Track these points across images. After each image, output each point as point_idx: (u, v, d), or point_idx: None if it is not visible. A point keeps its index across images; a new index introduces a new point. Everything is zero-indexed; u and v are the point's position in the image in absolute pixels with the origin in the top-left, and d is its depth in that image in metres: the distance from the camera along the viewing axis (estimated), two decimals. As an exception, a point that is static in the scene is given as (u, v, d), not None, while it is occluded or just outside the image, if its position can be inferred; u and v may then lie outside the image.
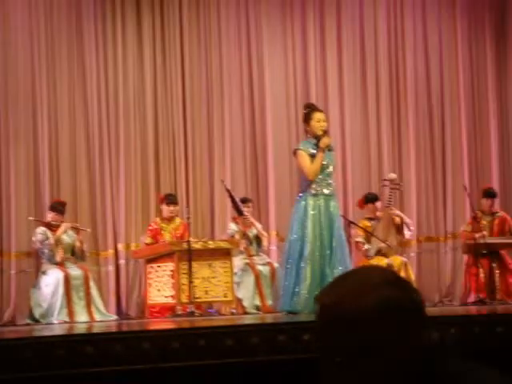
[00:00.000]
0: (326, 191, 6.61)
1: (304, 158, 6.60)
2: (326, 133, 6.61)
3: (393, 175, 9.17)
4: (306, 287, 6.34)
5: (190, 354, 3.65)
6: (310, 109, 6.80)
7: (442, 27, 10.53)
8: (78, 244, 8.54)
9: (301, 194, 6.69)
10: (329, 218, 6.56)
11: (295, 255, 6.50)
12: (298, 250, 6.49)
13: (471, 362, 1.46)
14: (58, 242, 8.38)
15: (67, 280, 8.16)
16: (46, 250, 8.35)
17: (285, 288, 6.52)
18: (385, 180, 9.22)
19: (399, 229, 9.03)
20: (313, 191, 6.58)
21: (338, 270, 6.22)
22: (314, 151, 6.58)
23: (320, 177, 6.60)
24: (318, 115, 6.68)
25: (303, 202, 6.59)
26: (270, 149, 9.89)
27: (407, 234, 9.05)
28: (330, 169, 6.69)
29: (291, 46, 10.14)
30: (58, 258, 8.37)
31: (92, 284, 8.38)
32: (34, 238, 8.49)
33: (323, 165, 6.61)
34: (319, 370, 1.46)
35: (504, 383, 1.42)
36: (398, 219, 9.04)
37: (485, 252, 8.90)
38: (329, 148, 6.64)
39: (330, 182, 6.66)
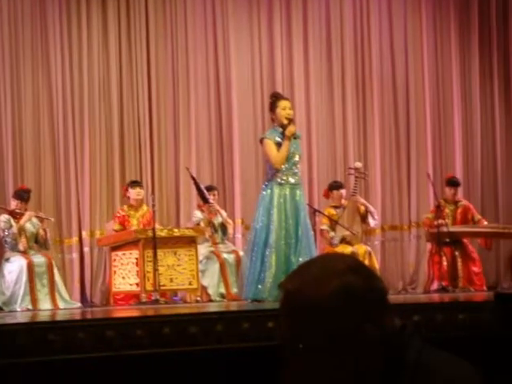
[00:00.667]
0: (291, 180, 6.61)
1: (270, 147, 6.60)
2: (291, 121, 6.60)
3: (358, 164, 9.22)
4: (271, 275, 6.36)
5: (154, 342, 3.65)
6: (275, 97, 6.80)
7: (408, 15, 10.58)
8: (41, 232, 8.47)
9: (266, 183, 6.69)
10: (294, 207, 6.57)
11: (260, 243, 6.51)
12: (264, 238, 6.51)
13: (436, 348, 1.47)
14: (21, 230, 8.31)
15: (30, 267, 8.10)
16: (9, 239, 8.28)
17: (250, 276, 6.53)
18: (350, 168, 9.27)
19: (364, 217, 9.09)
20: (279, 180, 6.59)
21: (304, 258, 6.24)
22: (281, 140, 6.58)
23: (286, 166, 6.60)
24: (283, 103, 6.67)
25: (269, 191, 6.60)
26: (236, 137, 9.89)
27: (372, 222, 9.12)
28: (297, 158, 6.69)
29: (257, 35, 10.13)
30: (21, 247, 8.30)
31: (56, 271, 8.32)
32: (-4, 226, 8.40)
33: (289, 153, 6.62)
34: (283, 358, 1.46)
35: (469, 371, 1.44)
36: (362, 208, 9.09)
37: (448, 240, 8.99)
38: (294, 136, 6.64)
39: (295, 171, 6.67)
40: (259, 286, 6.43)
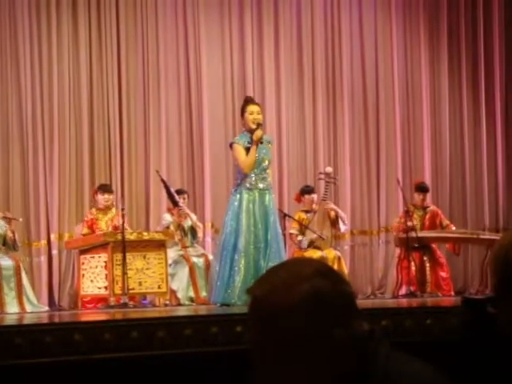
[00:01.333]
0: (261, 185, 6.62)
1: (239, 152, 6.60)
2: (259, 126, 6.60)
3: (329, 169, 9.25)
4: (240, 280, 6.36)
5: (122, 346, 3.63)
6: (245, 102, 6.82)
7: (378, 22, 10.64)
8: (9, 234, 8.39)
9: (236, 188, 6.70)
10: (263, 212, 6.57)
11: (229, 248, 6.51)
12: (232, 242, 6.51)
13: (404, 354, 1.48)
14: None
15: (-2, 270, 8.02)
16: None
17: (219, 280, 6.53)
18: (321, 173, 9.30)
19: (334, 222, 9.12)
20: (248, 185, 6.59)
21: (273, 263, 6.25)
22: (250, 145, 6.59)
23: (255, 171, 6.61)
24: (251, 108, 6.68)
25: (238, 196, 6.61)
26: (207, 141, 9.88)
27: (342, 228, 9.15)
28: (266, 163, 6.69)
29: (229, 39, 10.13)
30: None
31: (23, 275, 8.24)
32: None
33: (258, 158, 6.62)
34: (251, 363, 1.45)
35: (436, 377, 1.45)
36: (332, 213, 9.12)
37: (416, 245, 9.04)
38: (262, 141, 6.63)
39: (265, 176, 6.67)
40: (228, 291, 6.43)
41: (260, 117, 6.67)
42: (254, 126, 6.56)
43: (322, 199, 9.04)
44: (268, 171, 6.75)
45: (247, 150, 6.59)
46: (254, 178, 6.60)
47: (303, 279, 1.42)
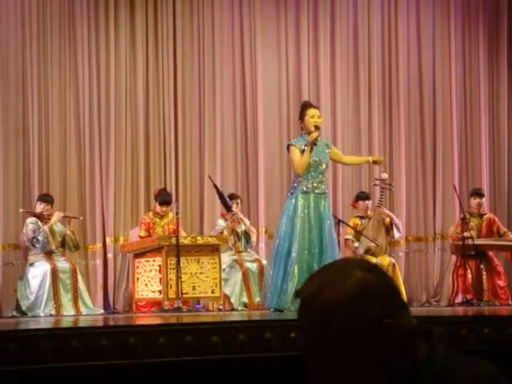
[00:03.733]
0: (317, 189, 6.59)
1: (295, 153, 6.61)
2: (317, 128, 6.60)
3: (384, 175, 9.17)
4: (294, 285, 6.33)
5: (176, 350, 3.64)
6: (304, 106, 6.83)
7: (436, 26, 10.54)
8: (69, 233, 8.51)
9: (292, 191, 6.68)
10: (318, 217, 6.54)
11: (283, 253, 6.49)
12: (287, 247, 6.48)
13: (468, 355, 1.46)
14: (51, 230, 8.37)
15: (54, 272, 8.13)
16: (41, 238, 8.30)
17: (272, 285, 6.51)
18: (376, 179, 9.23)
19: (388, 229, 9.04)
20: (304, 188, 6.57)
21: None
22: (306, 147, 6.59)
23: (312, 174, 6.59)
24: (311, 111, 6.68)
25: (293, 200, 6.59)
26: (261, 145, 9.88)
27: (396, 235, 9.06)
28: (323, 166, 6.67)
29: (284, 42, 10.12)
30: (54, 247, 8.35)
31: (79, 277, 8.34)
32: (24, 230, 8.43)
33: (315, 161, 6.59)
34: (306, 366, 1.45)
35: (495, 368, 1.43)
36: (387, 219, 9.05)
37: (473, 253, 8.91)
38: (315, 143, 6.60)
39: (322, 179, 6.65)
40: (281, 296, 6.40)
41: (320, 120, 6.71)
42: (313, 129, 6.57)
43: (378, 205, 8.98)
44: (325, 175, 6.73)
45: (303, 152, 6.59)
46: (310, 182, 6.58)
47: (349, 275, 1.44)
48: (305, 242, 6.46)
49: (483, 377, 1.41)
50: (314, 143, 6.56)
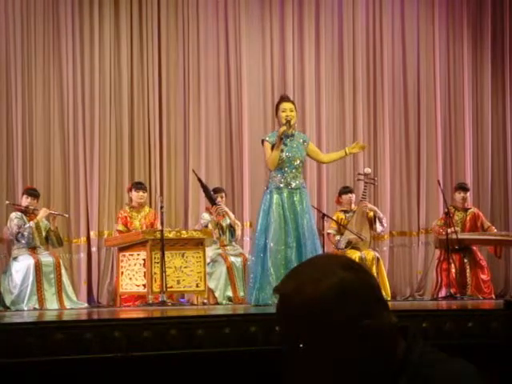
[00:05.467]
0: (290, 185, 6.56)
1: (267, 149, 6.60)
2: (288, 122, 6.54)
3: (368, 169, 9.20)
4: (272, 280, 6.32)
5: (160, 344, 3.63)
6: (279, 100, 6.79)
7: (420, 20, 10.56)
8: (53, 229, 8.47)
9: (267, 186, 6.68)
10: (294, 212, 6.50)
11: (260, 248, 6.49)
12: (263, 243, 6.48)
13: (443, 353, 1.46)
14: (37, 226, 8.33)
15: (38, 266, 8.10)
16: (26, 233, 8.26)
17: (252, 280, 6.52)
18: (360, 174, 9.25)
19: (371, 223, 9.06)
20: (277, 183, 6.56)
21: None
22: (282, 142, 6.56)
23: (285, 169, 6.56)
24: (283, 105, 6.64)
25: (268, 196, 6.59)
26: (246, 139, 9.88)
27: (379, 228, 9.08)
28: (297, 162, 6.62)
29: (269, 36, 10.12)
30: (38, 243, 8.31)
31: (63, 271, 8.32)
32: (8, 224, 8.39)
33: (288, 157, 6.55)
34: (284, 361, 1.45)
35: (475, 377, 1.42)
36: (371, 213, 9.07)
37: (457, 247, 8.95)
38: (286, 136, 6.55)
39: (296, 174, 6.59)
40: (261, 292, 6.39)
41: (292, 114, 6.60)
42: (283, 122, 6.52)
43: (361, 200, 9.00)
44: (300, 170, 6.67)
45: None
46: (284, 177, 6.55)
47: (329, 273, 1.43)
48: (281, 235, 6.43)
49: (458, 376, 1.40)
50: (281, 138, 6.51)
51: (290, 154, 6.55)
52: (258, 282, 6.43)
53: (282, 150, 6.54)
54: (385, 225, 9.24)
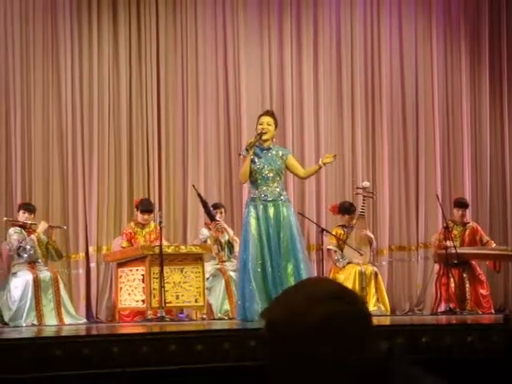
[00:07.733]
0: (264, 197, 6.55)
1: (242, 161, 6.68)
2: (259, 135, 6.53)
3: (366, 183, 9.19)
4: (256, 295, 6.30)
5: (159, 359, 3.62)
6: (261, 114, 6.84)
7: (418, 31, 10.55)
8: (51, 243, 8.46)
9: (247, 200, 6.72)
10: (267, 225, 6.47)
11: (242, 264, 6.51)
12: (245, 258, 6.48)
13: (417, 369, 1.45)
14: (38, 240, 8.32)
15: (36, 282, 8.08)
16: (29, 247, 8.24)
17: (238, 296, 6.53)
18: (358, 188, 9.25)
19: (371, 241, 9.08)
20: (252, 196, 6.60)
21: (292, 280, 6.18)
22: (256, 156, 6.59)
23: (258, 182, 6.57)
24: (262, 118, 6.70)
25: (246, 209, 6.61)
26: (244, 155, 9.86)
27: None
28: (271, 174, 6.59)
29: (267, 48, 10.12)
30: (40, 255, 8.31)
31: (61, 286, 8.29)
32: (8, 240, 8.37)
33: (259, 169, 6.56)
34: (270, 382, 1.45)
35: None
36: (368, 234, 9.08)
37: (456, 262, 8.94)
38: (261, 148, 6.58)
39: (271, 185, 6.57)
40: (246, 306, 6.38)
41: (269, 127, 6.58)
42: (257, 133, 6.57)
43: (360, 214, 8.99)
44: (276, 182, 6.63)
45: (251, 160, 6.58)
46: (258, 189, 6.56)
47: (316, 303, 1.42)
48: (257, 250, 6.42)
49: None
50: (248, 149, 6.51)
51: (260, 166, 6.56)
52: (243, 297, 6.42)
53: (254, 162, 6.56)
54: (374, 244, 9.24)
